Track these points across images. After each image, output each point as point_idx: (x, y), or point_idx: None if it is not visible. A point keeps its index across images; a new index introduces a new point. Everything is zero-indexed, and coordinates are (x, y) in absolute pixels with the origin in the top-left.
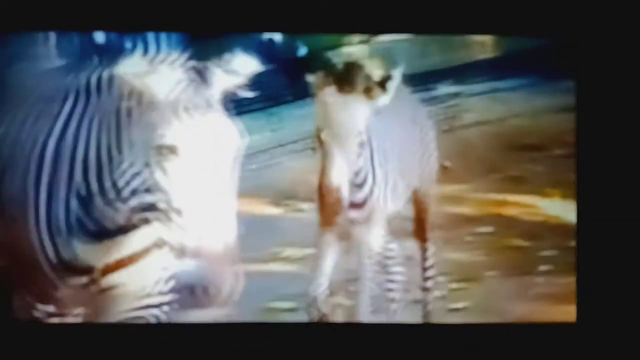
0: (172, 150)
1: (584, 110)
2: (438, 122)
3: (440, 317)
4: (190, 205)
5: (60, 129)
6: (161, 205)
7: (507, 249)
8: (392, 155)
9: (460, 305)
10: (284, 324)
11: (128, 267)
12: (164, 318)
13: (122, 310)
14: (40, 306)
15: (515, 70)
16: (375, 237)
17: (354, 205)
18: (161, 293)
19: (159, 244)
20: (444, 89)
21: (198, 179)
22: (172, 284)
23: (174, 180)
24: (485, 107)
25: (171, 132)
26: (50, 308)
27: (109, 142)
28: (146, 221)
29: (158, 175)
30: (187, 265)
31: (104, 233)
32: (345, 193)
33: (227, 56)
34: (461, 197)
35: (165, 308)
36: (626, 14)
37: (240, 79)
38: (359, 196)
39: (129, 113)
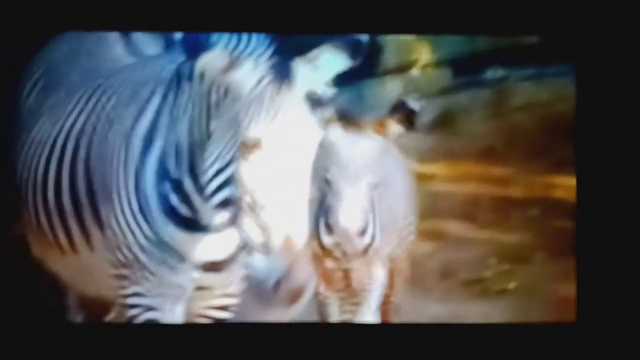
0: (256, 145)
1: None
2: (486, 106)
3: (489, 298)
4: (274, 200)
5: (152, 116)
6: (246, 200)
7: (555, 230)
8: (386, 198)
9: (509, 286)
10: (283, 324)
11: (220, 272)
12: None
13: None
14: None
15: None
16: (377, 279)
17: (356, 253)
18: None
19: (246, 248)
20: (491, 73)
21: (281, 174)
22: (246, 283)
23: (259, 175)
24: (532, 91)
25: (257, 127)
26: (153, 301)
27: (200, 134)
28: (232, 219)
29: (243, 170)
30: (263, 262)
31: (198, 225)
32: (354, 239)
33: (313, 53)
34: (509, 180)
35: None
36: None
37: (326, 76)
38: (363, 243)
39: (217, 106)
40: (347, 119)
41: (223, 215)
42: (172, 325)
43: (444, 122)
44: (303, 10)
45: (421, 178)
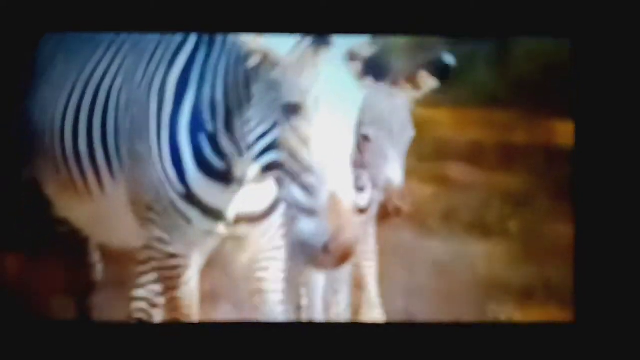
0: (299, 108)
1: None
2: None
3: (491, 238)
4: (319, 162)
5: (182, 67)
6: (290, 162)
7: (555, 175)
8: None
9: (510, 227)
10: (282, 323)
11: (257, 223)
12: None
13: (242, 265)
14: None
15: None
16: (372, 240)
17: (358, 211)
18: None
19: (285, 202)
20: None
21: (325, 135)
22: (291, 243)
23: (302, 137)
24: (535, 42)
25: (298, 90)
26: (176, 248)
27: (238, 95)
28: (277, 181)
29: (287, 133)
30: (310, 224)
31: (231, 178)
32: (401, 196)
33: None
34: (511, 125)
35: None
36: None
37: (365, 37)
38: (363, 202)
39: (256, 70)
40: (380, 74)
41: (267, 178)
42: (172, 324)
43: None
44: (304, 10)
45: (426, 124)
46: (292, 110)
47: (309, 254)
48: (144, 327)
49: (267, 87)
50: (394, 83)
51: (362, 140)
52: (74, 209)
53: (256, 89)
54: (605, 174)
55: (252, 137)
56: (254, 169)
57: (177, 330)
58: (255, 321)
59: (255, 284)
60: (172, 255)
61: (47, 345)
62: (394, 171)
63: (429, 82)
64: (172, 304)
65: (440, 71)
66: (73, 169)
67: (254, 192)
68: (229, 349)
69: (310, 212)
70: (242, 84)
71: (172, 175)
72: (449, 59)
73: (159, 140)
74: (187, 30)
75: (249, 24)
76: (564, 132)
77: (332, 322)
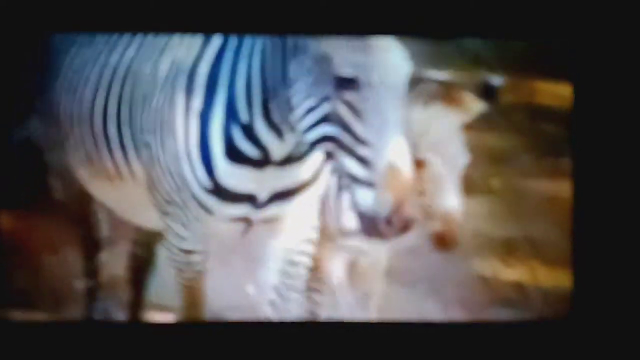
0: (351, 81)
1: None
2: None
3: (475, 196)
4: (373, 135)
5: (214, 55)
6: (342, 137)
7: (540, 133)
8: None
9: (494, 185)
10: (279, 322)
11: (291, 198)
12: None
13: (279, 248)
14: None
15: None
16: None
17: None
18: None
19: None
20: None
21: (378, 108)
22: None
23: (355, 111)
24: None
25: (349, 64)
26: (192, 244)
27: (274, 76)
28: (328, 155)
29: (339, 107)
30: (369, 195)
31: (268, 162)
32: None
33: None
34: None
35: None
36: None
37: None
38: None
39: (295, 48)
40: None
41: (315, 150)
42: (172, 324)
43: None
44: (302, 10)
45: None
46: (344, 83)
47: (370, 225)
48: (146, 327)
49: (315, 61)
50: (445, 105)
51: (418, 165)
52: (102, 189)
53: (297, 65)
54: (602, 133)
55: (299, 112)
56: (302, 144)
57: (180, 330)
58: (255, 321)
59: (291, 258)
60: (188, 252)
61: (48, 345)
62: (452, 199)
63: (476, 105)
64: (186, 288)
65: (487, 93)
66: (101, 148)
67: (287, 171)
68: (231, 348)
69: (367, 184)
70: (280, 63)
71: (198, 168)
72: (497, 80)
73: (186, 132)
74: (204, 32)
75: (251, 24)
76: (546, 92)
77: (334, 320)
